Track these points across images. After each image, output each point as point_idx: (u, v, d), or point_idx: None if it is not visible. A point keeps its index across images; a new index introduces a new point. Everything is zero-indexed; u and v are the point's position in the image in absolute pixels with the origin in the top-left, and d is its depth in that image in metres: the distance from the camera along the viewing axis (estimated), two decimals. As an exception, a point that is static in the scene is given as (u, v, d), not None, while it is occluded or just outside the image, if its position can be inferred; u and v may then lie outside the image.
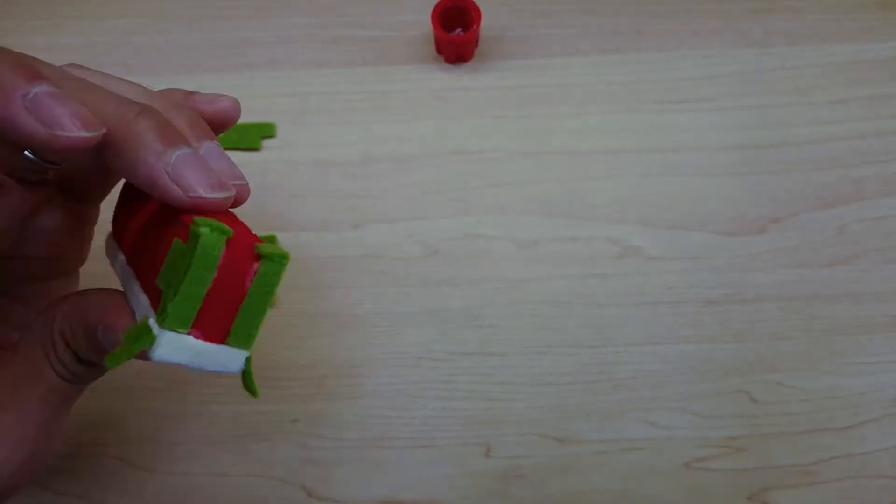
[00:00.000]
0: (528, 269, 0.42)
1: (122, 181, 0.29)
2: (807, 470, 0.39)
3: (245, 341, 0.24)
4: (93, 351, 0.26)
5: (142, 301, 0.24)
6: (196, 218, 0.22)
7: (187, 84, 0.46)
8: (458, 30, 0.45)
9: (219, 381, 0.41)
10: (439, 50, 0.46)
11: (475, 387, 0.41)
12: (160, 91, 0.29)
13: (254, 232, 0.26)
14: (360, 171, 0.44)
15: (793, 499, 0.39)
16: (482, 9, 0.43)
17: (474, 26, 0.43)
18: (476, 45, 0.46)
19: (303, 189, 0.44)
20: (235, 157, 0.36)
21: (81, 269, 0.33)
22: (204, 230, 0.22)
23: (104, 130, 0.22)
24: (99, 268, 0.32)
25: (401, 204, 0.44)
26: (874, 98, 0.45)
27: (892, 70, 0.45)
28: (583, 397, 0.40)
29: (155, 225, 0.25)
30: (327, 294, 0.42)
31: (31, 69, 0.21)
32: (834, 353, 0.41)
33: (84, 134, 0.21)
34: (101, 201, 0.32)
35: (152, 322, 0.22)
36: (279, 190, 0.44)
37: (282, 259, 0.24)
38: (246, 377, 0.25)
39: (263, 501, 0.39)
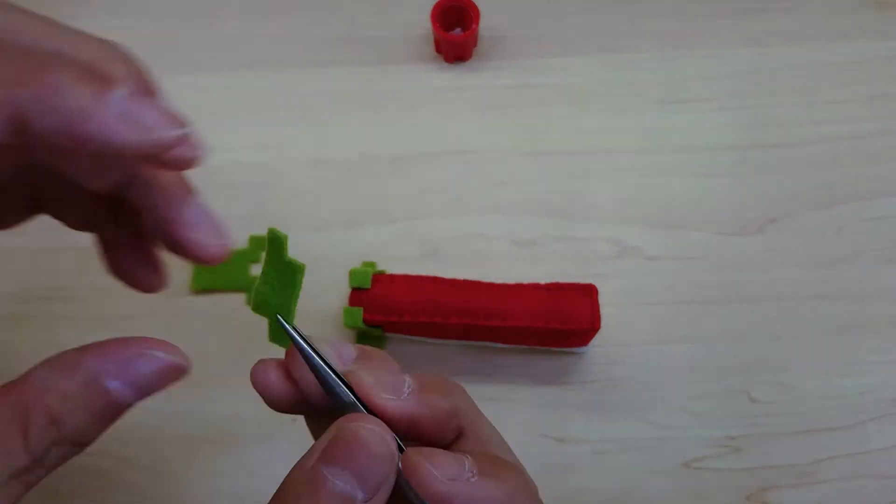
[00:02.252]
0: (527, 269, 0.41)
1: None
2: (806, 470, 0.39)
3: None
4: (99, 413, 0.22)
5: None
6: None
7: (186, 84, 0.46)
8: (458, 29, 0.45)
9: (218, 382, 0.41)
10: (438, 49, 0.46)
11: (475, 386, 0.41)
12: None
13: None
14: (359, 171, 0.44)
15: (792, 498, 0.39)
16: (481, 8, 0.43)
17: (473, 26, 0.43)
18: (475, 44, 0.46)
19: (303, 189, 0.44)
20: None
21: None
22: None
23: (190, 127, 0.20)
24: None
25: (400, 204, 0.44)
26: (874, 98, 0.45)
27: (892, 70, 0.45)
28: (583, 397, 0.40)
29: None
30: (327, 294, 0.42)
31: (98, 75, 0.20)
32: (834, 353, 0.41)
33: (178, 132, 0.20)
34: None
35: None
36: (279, 190, 0.44)
37: None
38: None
39: (263, 501, 0.39)
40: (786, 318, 0.41)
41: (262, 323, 0.42)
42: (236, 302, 0.42)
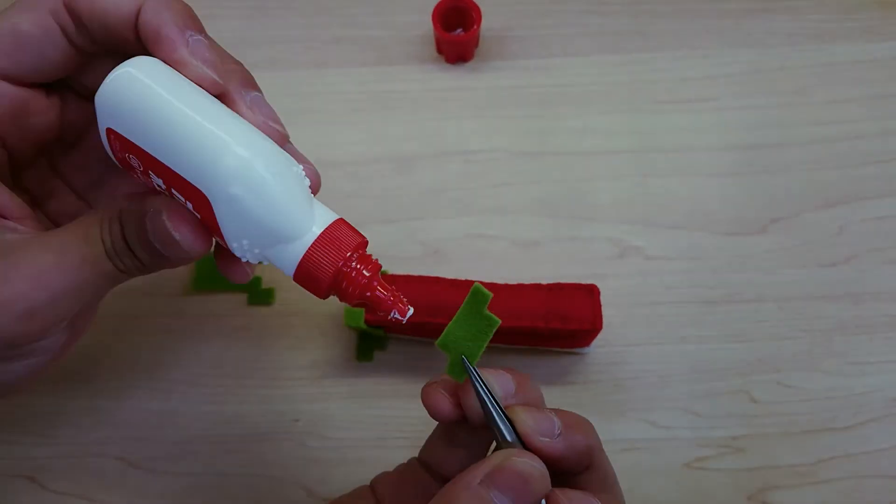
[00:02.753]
0: (528, 270, 0.41)
1: None
2: (807, 470, 0.39)
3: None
4: (137, 237, 0.27)
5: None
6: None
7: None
8: (459, 30, 0.45)
9: (219, 382, 0.41)
10: (440, 50, 0.46)
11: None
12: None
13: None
14: (360, 171, 0.44)
15: (793, 499, 0.39)
16: (482, 9, 0.43)
17: (475, 26, 0.43)
18: (476, 45, 0.46)
19: (303, 189, 0.44)
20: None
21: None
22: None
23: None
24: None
25: (401, 204, 0.44)
26: (874, 98, 0.45)
27: (892, 70, 0.45)
28: (584, 397, 0.40)
29: None
30: (327, 294, 0.42)
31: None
32: (834, 353, 0.41)
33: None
34: None
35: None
36: (279, 190, 0.44)
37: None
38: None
39: (263, 501, 0.39)
40: (786, 318, 0.41)
41: (262, 324, 0.42)
42: (236, 302, 0.42)
